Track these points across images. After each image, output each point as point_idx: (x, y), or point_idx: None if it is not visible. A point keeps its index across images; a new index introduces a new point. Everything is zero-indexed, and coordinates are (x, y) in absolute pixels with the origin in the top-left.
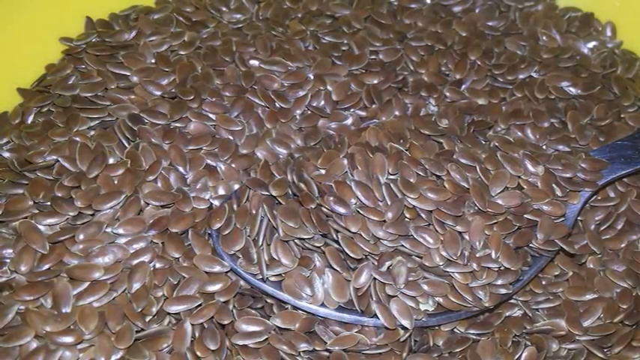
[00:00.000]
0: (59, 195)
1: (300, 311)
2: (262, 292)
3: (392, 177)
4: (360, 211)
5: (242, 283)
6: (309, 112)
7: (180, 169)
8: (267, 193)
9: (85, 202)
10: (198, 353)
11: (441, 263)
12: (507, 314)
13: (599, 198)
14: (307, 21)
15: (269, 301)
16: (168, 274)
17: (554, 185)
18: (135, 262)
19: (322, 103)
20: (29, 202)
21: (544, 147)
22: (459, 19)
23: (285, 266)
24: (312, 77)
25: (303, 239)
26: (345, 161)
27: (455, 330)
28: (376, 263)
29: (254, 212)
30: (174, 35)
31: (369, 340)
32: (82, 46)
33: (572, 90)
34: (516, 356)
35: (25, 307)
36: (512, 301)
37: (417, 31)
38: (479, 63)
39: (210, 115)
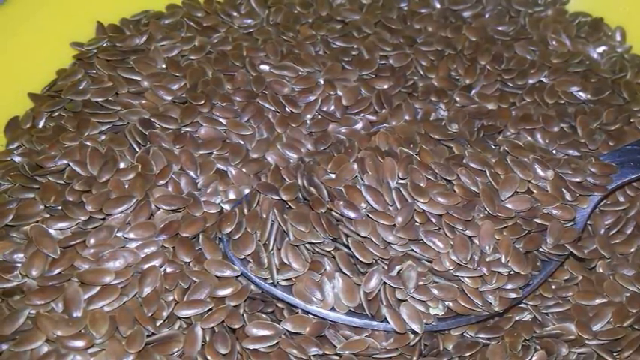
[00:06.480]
0: (70, 199)
1: (310, 315)
2: (273, 296)
3: (402, 181)
4: (370, 216)
5: (252, 287)
6: (320, 116)
7: (191, 173)
8: (277, 198)
9: (95, 207)
10: (209, 357)
11: (450, 267)
12: (517, 318)
13: (608, 202)
14: (317, 26)
15: (279, 305)
16: (178, 278)
17: (563, 190)
18: (146, 266)
19: (332, 107)
20: (40, 207)
21: (554, 151)
22: (468, 24)
23: (295, 270)
24: (322, 82)
25: (314, 243)
26: (356, 166)
27: (465, 334)
28: (386, 267)
29: (264, 217)
30: (184, 40)
31: (379, 344)
32: (93, 51)
33: (582, 95)
34: None
35: (36, 312)
36: (521, 305)
37: (427, 35)
38: (489, 68)
39: (221, 120)
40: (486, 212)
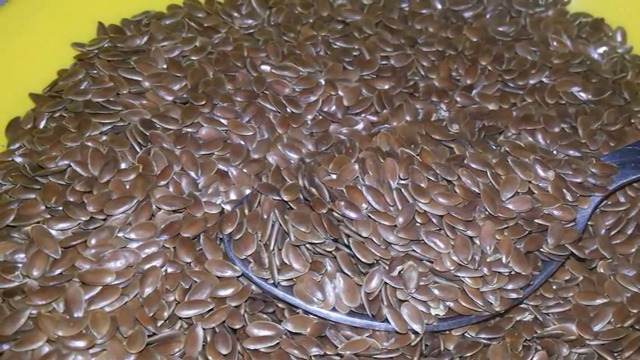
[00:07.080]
0: (71, 200)
1: (311, 316)
2: (273, 296)
3: (403, 182)
4: (371, 216)
5: (253, 287)
6: (321, 117)
7: (192, 174)
8: (278, 198)
9: (96, 207)
10: (210, 358)
11: (451, 268)
12: (518, 319)
13: (609, 203)
14: (318, 26)
15: (280, 305)
16: (179, 278)
17: (564, 190)
18: (146, 266)
19: (333, 108)
20: (41, 207)
21: (554, 152)
22: (469, 24)
23: (296, 271)
24: (323, 82)
25: (315, 244)
26: (356, 166)
27: (466, 334)
28: (387, 268)
29: (265, 217)
30: (185, 40)
31: (380, 344)
32: (94, 52)
33: (583, 95)
34: None
35: (37, 312)
36: (522, 305)
37: (427, 36)
38: (489, 68)
39: (222, 120)
40: (487, 213)
